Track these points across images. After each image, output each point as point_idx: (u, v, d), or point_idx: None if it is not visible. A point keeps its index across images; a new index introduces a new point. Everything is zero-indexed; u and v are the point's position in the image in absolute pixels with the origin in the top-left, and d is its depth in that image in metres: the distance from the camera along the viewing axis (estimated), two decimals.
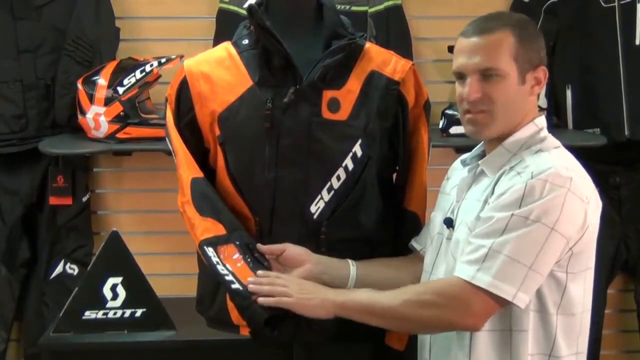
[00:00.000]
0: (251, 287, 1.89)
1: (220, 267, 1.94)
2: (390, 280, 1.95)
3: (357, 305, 1.84)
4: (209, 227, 1.99)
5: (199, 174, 2.05)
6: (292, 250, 1.97)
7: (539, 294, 1.76)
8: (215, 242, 1.97)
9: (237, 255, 1.96)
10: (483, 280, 1.72)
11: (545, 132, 1.87)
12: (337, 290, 1.91)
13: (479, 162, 1.89)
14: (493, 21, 1.85)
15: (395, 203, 2.14)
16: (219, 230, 1.99)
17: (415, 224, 2.10)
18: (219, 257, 1.96)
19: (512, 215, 1.72)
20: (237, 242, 1.97)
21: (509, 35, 1.81)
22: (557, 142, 1.87)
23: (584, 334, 1.84)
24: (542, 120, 1.88)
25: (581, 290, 1.81)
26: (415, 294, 1.81)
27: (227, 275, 1.93)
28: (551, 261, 1.74)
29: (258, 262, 1.96)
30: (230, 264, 1.95)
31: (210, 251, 1.97)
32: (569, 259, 1.76)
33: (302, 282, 1.91)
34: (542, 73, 1.85)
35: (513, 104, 1.83)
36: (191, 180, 2.03)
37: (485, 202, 1.80)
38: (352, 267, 1.98)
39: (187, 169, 2.05)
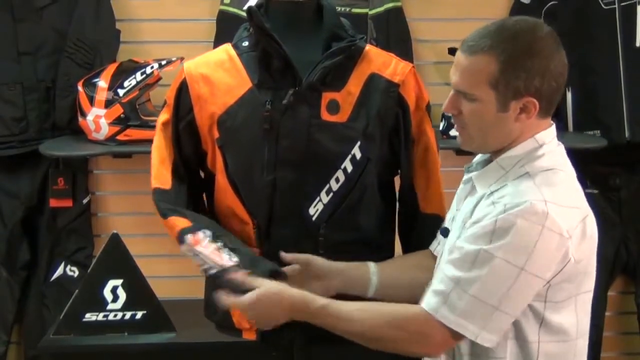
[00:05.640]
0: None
1: (201, 257, 1.98)
2: (414, 281, 1.93)
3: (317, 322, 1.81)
4: (176, 223, 2.03)
5: (163, 184, 2.08)
6: (315, 262, 1.95)
7: (516, 323, 1.71)
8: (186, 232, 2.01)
9: (206, 242, 1.99)
10: (447, 317, 1.68)
11: (545, 149, 1.74)
12: (297, 310, 1.82)
13: (472, 175, 1.82)
14: (487, 39, 1.70)
15: (409, 209, 2.13)
16: (185, 223, 2.03)
17: (438, 226, 2.01)
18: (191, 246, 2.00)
19: (481, 250, 1.65)
20: (205, 232, 2.00)
21: (491, 62, 1.68)
22: (552, 163, 1.74)
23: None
24: (544, 136, 1.75)
25: (571, 317, 1.75)
26: (375, 327, 1.76)
27: (205, 264, 1.97)
28: (523, 301, 1.68)
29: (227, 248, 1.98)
30: (205, 249, 1.98)
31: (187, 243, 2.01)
32: (548, 290, 1.70)
33: (266, 306, 1.84)
34: (532, 105, 1.69)
35: (490, 128, 1.73)
36: (153, 192, 2.08)
37: (465, 223, 1.75)
38: (373, 278, 1.96)
39: (154, 177, 2.09)
